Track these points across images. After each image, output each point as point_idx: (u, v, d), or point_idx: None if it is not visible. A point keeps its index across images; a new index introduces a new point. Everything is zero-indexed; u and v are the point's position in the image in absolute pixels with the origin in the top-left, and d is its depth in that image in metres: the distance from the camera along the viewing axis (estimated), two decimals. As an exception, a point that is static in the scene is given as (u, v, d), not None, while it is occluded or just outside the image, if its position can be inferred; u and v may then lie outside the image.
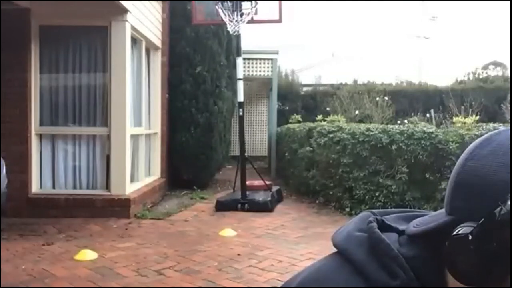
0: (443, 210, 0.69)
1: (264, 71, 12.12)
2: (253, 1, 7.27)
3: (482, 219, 0.60)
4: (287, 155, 9.63)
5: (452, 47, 40.61)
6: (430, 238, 0.67)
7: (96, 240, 5.07)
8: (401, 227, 0.73)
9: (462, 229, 0.61)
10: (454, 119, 7.14)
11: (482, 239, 0.59)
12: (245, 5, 7.26)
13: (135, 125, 7.07)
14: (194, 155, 8.73)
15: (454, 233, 0.62)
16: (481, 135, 0.70)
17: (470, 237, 0.60)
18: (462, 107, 11.06)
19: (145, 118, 7.68)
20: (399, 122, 10.58)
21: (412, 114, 11.78)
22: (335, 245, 0.74)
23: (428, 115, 11.79)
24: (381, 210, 0.79)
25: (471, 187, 0.64)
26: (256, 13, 7.34)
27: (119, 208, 6.17)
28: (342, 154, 6.79)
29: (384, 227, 0.72)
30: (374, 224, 0.72)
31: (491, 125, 6.34)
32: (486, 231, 0.59)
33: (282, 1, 7.52)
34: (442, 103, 12.97)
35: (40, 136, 6.45)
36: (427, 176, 6.07)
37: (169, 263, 4.35)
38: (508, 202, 0.58)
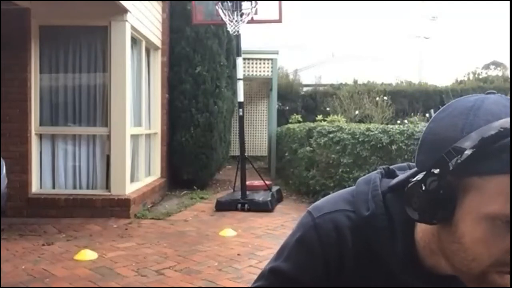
0: None
1: (264, 71, 12.12)
2: (253, 1, 7.26)
3: (432, 169, 0.73)
4: (287, 155, 9.62)
5: (452, 47, 40.68)
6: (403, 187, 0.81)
7: (96, 240, 5.07)
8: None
9: (419, 177, 0.75)
10: (454, 119, 7.14)
11: (431, 184, 0.73)
12: (245, 5, 7.25)
13: (135, 125, 7.07)
14: (194, 155, 8.73)
15: (413, 179, 0.76)
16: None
17: (423, 184, 0.74)
18: (462, 107, 11.05)
19: (145, 118, 7.67)
20: (399, 122, 10.58)
21: (412, 114, 11.78)
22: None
23: (428, 115, 11.75)
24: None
25: (428, 143, 0.78)
26: (256, 13, 7.32)
27: (119, 208, 6.17)
28: (342, 154, 6.79)
29: (391, 173, 0.93)
30: (382, 171, 0.93)
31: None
32: (437, 179, 0.72)
33: (282, 1, 7.53)
34: (442, 103, 12.83)
35: (40, 136, 6.45)
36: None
37: (169, 263, 4.35)
38: (460, 156, 0.70)
